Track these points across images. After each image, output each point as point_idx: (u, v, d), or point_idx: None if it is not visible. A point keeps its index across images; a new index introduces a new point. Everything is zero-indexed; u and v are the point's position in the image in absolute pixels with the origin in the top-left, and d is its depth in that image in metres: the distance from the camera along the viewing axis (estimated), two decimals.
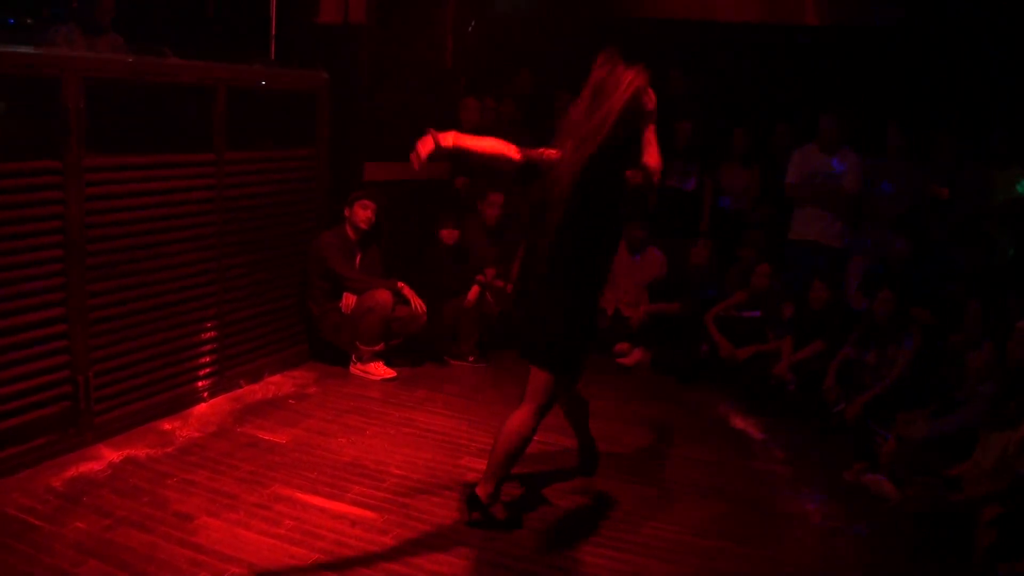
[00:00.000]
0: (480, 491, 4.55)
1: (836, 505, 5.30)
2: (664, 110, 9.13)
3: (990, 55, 8.15)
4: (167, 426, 5.66)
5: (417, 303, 7.08)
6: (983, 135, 7.53)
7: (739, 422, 6.69)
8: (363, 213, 7.03)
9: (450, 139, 4.22)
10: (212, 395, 6.19)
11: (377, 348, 7.00)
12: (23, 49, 4.78)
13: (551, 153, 4.25)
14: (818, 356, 6.86)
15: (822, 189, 7.64)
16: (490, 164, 4.36)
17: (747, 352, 7.29)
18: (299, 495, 4.85)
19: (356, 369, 7.01)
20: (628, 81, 4.17)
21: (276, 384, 6.63)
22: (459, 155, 4.32)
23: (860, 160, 7.60)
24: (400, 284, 7.09)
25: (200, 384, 6.11)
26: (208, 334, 6.14)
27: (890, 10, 8.77)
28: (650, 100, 4.27)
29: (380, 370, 6.99)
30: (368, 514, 4.69)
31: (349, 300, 6.96)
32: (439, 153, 4.19)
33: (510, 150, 4.29)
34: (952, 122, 7.68)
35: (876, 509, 5.27)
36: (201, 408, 6.03)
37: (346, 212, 7.07)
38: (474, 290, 7.54)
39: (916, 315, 6.56)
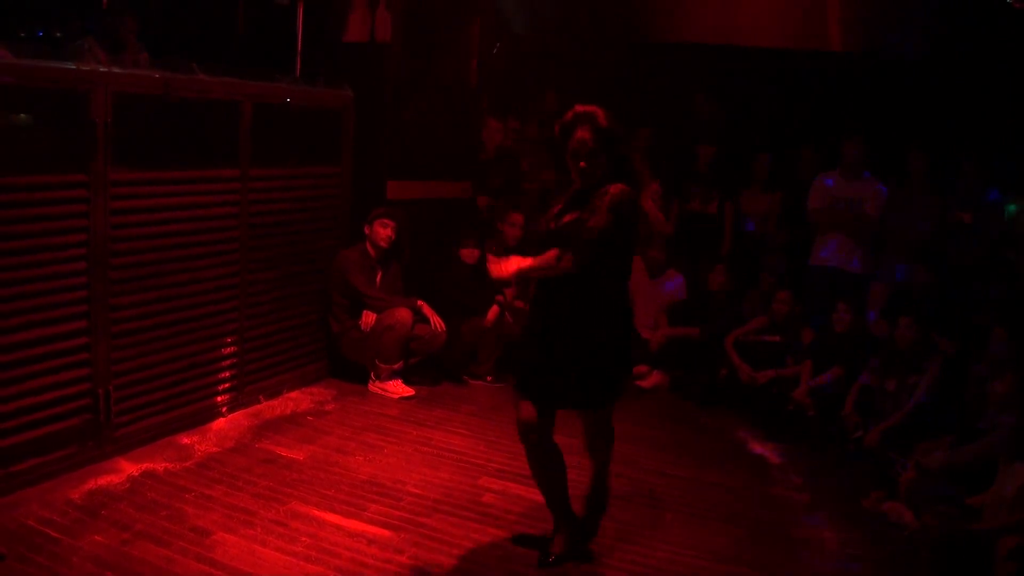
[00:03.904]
0: None
1: (854, 533, 5.27)
2: (688, 134, 9.20)
3: (1012, 85, 8.12)
4: (186, 440, 5.68)
5: (437, 322, 7.10)
6: (1007, 164, 7.51)
7: (757, 447, 6.67)
8: (383, 231, 7.06)
9: (512, 267, 4.37)
10: (231, 410, 6.21)
11: (396, 366, 7.02)
12: (53, 63, 4.83)
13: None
14: (837, 382, 6.84)
15: (844, 215, 7.62)
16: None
17: (766, 376, 7.27)
18: (316, 512, 4.85)
19: (374, 387, 7.02)
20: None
21: (295, 400, 6.64)
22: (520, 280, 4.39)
23: (882, 186, 7.59)
24: (420, 302, 7.11)
25: (219, 399, 6.13)
26: (228, 349, 6.16)
27: (914, 41, 8.76)
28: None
29: (398, 388, 7.00)
30: (385, 533, 4.69)
31: (369, 318, 6.98)
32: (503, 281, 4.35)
33: (562, 261, 4.18)
34: (975, 150, 7.65)
35: (894, 537, 5.23)
36: (220, 423, 6.05)
37: (366, 230, 7.10)
38: (493, 310, 7.55)
39: (938, 344, 6.53)
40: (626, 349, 4.37)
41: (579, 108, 4.17)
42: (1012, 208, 7.34)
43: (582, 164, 4.14)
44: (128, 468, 5.17)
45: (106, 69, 5.09)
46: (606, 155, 4.13)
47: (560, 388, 4.23)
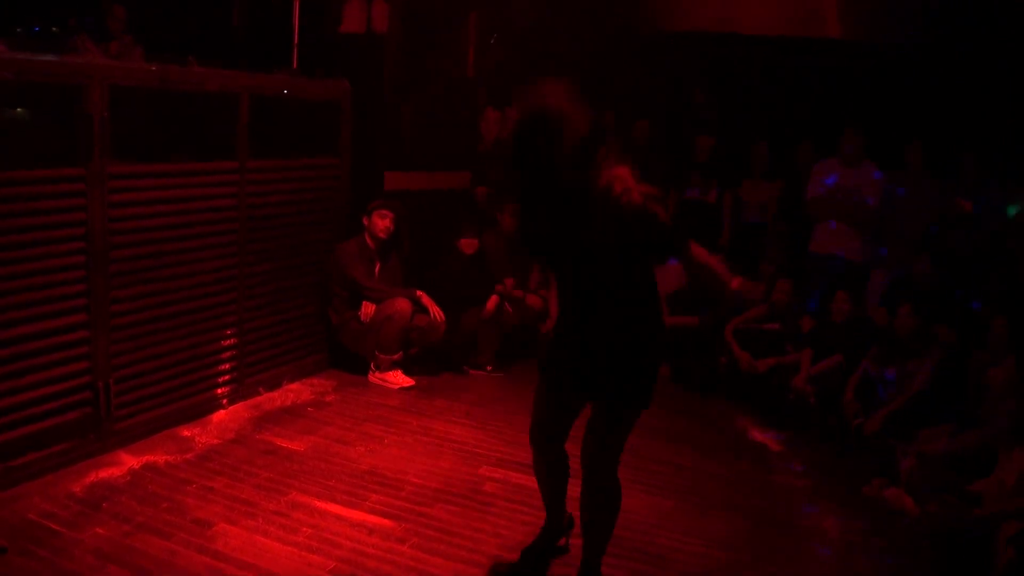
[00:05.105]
0: None
1: (855, 520, 5.28)
2: (686, 125, 9.17)
3: (1013, 73, 8.11)
4: (186, 433, 5.68)
5: (436, 312, 7.09)
6: (1007, 153, 7.51)
7: (758, 435, 6.68)
8: (381, 222, 7.05)
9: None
10: (231, 402, 6.21)
11: (396, 357, 7.02)
12: (49, 57, 4.82)
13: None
14: (837, 369, 6.83)
15: (843, 204, 7.61)
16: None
17: (766, 365, 7.26)
18: (317, 503, 4.86)
19: (375, 377, 7.02)
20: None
21: (295, 392, 6.64)
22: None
23: (882, 175, 7.58)
24: (419, 293, 7.11)
25: (219, 391, 6.13)
26: (228, 341, 6.16)
27: (913, 30, 8.75)
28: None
29: (398, 379, 7.00)
30: (386, 522, 4.70)
31: (368, 308, 6.98)
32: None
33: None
34: (975, 140, 7.65)
35: (895, 525, 5.24)
36: (220, 415, 6.05)
37: (364, 221, 7.09)
38: (493, 300, 7.54)
39: (938, 333, 6.53)
40: (661, 349, 4.01)
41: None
42: (1012, 210, 7.32)
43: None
44: (129, 461, 5.18)
45: (102, 62, 5.08)
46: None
47: (597, 379, 3.84)
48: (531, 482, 4.66)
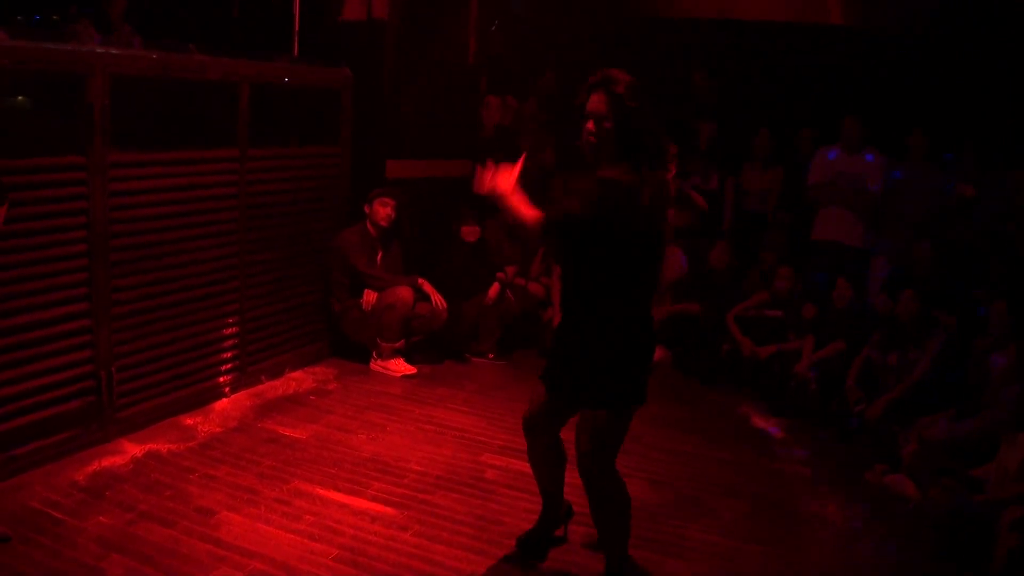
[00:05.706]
0: None
1: (857, 506, 5.28)
2: (687, 111, 9.13)
3: (1014, 60, 8.08)
4: (189, 421, 5.69)
5: (438, 300, 7.10)
6: (1008, 138, 7.48)
7: (760, 422, 6.68)
8: (383, 210, 7.05)
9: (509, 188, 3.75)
10: (233, 391, 6.21)
11: (398, 345, 7.02)
12: (50, 45, 4.80)
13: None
14: (839, 356, 6.83)
15: (845, 190, 7.60)
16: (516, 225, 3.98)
17: (768, 352, 7.26)
18: (319, 491, 4.86)
19: (376, 366, 7.03)
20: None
21: (297, 380, 6.65)
22: (500, 204, 3.79)
23: (883, 160, 7.56)
24: (421, 281, 7.12)
25: (221, 380, 6.14)
26: (230, 330, 6.16)
27: (914, 15, 8.71)
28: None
29: (400, 367, 7.00)
30: (388, 510, 4.70)
31: (370, 297, 6.98)
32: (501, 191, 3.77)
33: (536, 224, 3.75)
34: (977, 126, 7.62)
35: (897, 511, 5.25)
36: (222, 404, 6.05)
37: (366, 209, 7.08)
38: (495, 288, 7.55)
39: (940, 319, 6.53)
40: (643, 360, 3.94)
41: (606, 72, 3.75)
42: None
43: (589, 126, 3.70)
44: (132, 449, 5.18)
45: (103, 51, 5.07)
46: (617, 129, 3.68)
47: (575, 385, 3.88)
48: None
